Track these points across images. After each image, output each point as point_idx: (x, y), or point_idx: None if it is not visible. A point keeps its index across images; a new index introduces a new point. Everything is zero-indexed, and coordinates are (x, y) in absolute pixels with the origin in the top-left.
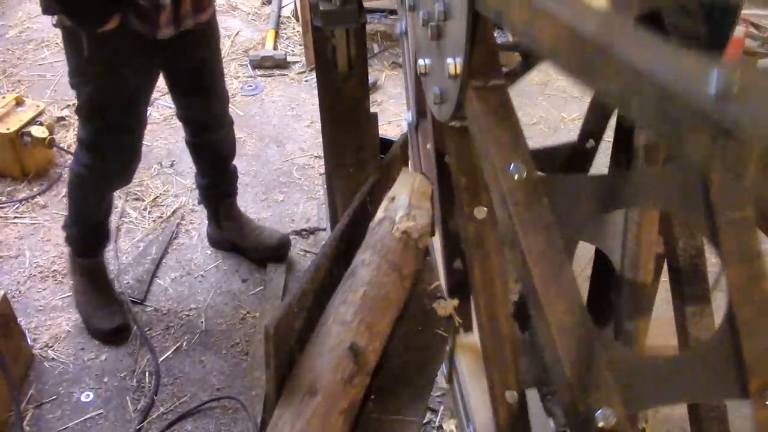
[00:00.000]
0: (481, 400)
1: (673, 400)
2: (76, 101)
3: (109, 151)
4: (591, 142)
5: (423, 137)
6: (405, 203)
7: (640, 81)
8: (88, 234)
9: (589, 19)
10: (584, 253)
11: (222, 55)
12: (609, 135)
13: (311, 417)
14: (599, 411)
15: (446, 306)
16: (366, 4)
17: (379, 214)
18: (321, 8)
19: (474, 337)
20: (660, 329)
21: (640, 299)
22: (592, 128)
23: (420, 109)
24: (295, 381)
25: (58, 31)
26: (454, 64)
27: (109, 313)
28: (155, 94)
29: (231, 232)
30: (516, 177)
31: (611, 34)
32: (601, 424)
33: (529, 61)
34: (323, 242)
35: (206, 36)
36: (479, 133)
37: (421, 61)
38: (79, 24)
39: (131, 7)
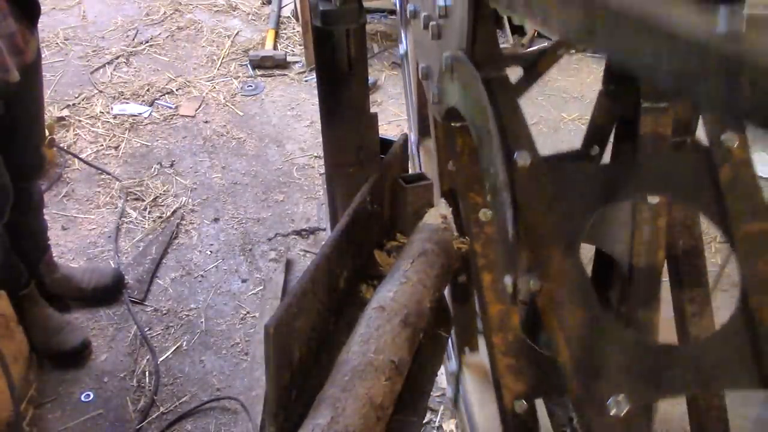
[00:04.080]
0: (490, 420)
1: (685, 390)
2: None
3: None
4: (595, 149)
5: (425, 154)
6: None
7: (650, 31)
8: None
9: None
10: (584, 253)
11: None
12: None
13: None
14: (610, 398)
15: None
16: (366, 4)
17: (439, 221)
18: (321, 8)
19: (480, 357)
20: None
21: (654, 287)
22: (597, 133)
23: (422, 128)
24: (383, 349)
25: (58, 31)
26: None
27: (66, 333)
28: (155, 94)
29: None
30: (520, 164)
31: None
32: (612, 412)
33: (531, 74)
34: (323, 242)
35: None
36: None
37: (423, 64)
38: None
39: None
